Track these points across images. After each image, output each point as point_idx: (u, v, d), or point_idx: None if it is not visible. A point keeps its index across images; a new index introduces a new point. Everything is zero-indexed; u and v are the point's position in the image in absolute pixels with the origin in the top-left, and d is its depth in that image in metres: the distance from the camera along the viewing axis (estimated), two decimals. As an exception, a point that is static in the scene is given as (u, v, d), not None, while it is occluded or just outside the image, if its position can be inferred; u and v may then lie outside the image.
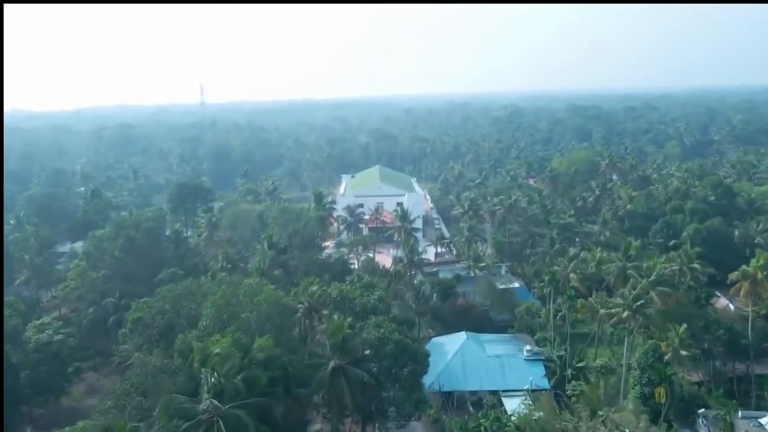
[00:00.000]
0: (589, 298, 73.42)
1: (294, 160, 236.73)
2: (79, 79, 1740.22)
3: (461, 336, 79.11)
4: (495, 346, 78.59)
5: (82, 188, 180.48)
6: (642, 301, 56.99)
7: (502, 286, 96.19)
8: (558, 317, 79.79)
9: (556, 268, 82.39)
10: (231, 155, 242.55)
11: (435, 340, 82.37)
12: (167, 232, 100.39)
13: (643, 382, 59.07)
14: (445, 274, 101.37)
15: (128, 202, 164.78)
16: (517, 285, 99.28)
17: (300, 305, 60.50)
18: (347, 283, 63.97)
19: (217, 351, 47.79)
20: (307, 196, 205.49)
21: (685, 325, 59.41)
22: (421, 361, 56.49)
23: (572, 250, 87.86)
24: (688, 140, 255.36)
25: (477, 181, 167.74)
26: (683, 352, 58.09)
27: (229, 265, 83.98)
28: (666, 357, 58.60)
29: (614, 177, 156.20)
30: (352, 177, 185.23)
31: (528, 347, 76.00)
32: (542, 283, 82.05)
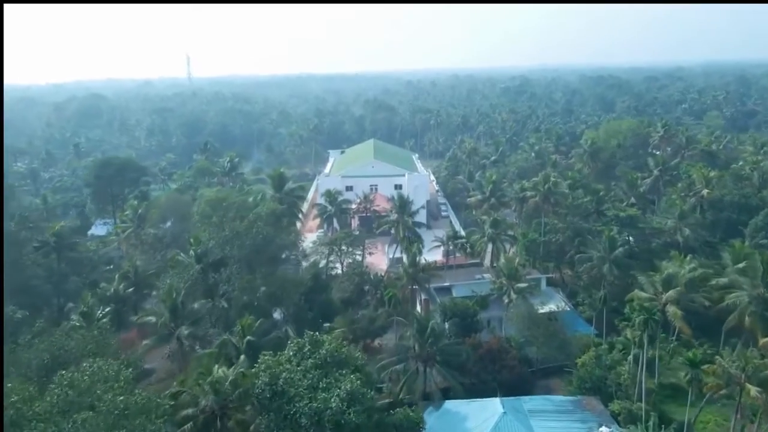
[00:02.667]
0: (719, 359, 43.11)
1: (276, 134, 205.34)
2: (69, 52, 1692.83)
3: (494, 407, 49.15)
4: (549, 424, 48.89)
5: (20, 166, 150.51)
6: None
7: (545, 309, 66.29)
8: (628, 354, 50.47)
9: (642, 294, 52.38)
10: (205, 129, 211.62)
11: (450, 405, 52.62)
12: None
13: None
14: (461, 290, 71.58)
15: (67, 184, 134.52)
16: (567, 308, 69.44)
17: (191, 408, 30.30)
18: (292, 354, 33.33)
19: None
20: (289, 176, 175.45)
21: None
22: None
23: (667, 267, 57.36)
24: (728, 111, 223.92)
25: (493, 158, 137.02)
26: None
27: (131, 289, 53.89)
28: None
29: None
30: (342, 153, 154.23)
31: (605, 430, 46.41)
32: (627, 323, 51.90)
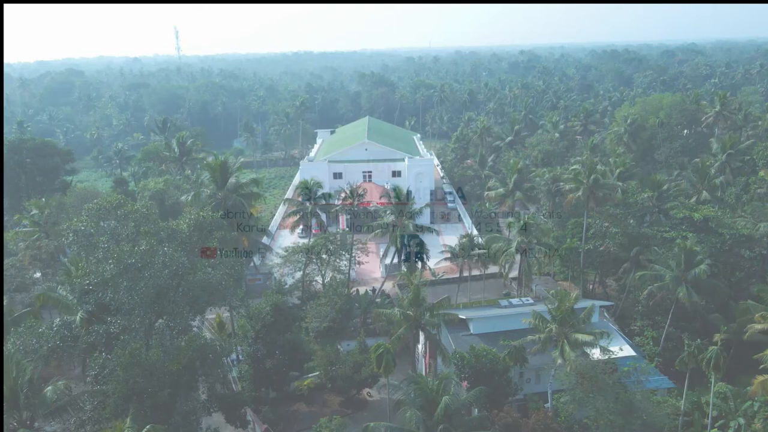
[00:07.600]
0: None
1: (260, 112, 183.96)
2: (65, 31, 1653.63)
3: None
4: None
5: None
6: None
7: (599, 351, 45.76)
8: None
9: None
10: (184, 106, 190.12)
11: None
12: None
13: None
14: (482, 325, 51.23)
15: None
16: (633, 352, 49.20)
17: None
18: None
19: None
20: (274, 159, 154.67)
21: None
22: None
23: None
24: (762, 86, 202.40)
25: (508, 139, 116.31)
26: None
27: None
28: None
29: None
30: (332, 133, 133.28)
31: None
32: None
